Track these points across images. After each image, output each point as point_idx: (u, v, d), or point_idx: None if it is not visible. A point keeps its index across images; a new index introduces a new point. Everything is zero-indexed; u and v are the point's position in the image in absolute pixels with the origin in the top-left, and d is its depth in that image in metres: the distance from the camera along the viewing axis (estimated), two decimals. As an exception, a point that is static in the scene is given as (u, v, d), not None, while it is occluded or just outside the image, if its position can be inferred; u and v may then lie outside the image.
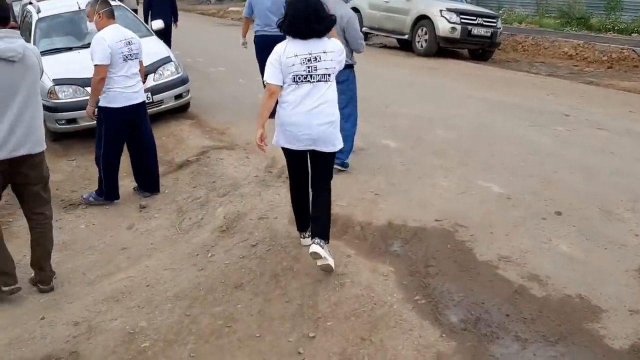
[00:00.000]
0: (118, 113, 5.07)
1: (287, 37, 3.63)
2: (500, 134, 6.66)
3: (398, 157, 5.95)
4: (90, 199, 5.39)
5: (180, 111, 7.83)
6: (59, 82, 6.87)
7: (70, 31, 8.05)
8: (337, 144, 3.78)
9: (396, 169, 5.64)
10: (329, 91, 3.66)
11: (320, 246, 3.65)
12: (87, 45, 7.53)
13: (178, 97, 7.44)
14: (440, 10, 12.57)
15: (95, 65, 4.92)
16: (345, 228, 4.46)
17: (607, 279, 3.69)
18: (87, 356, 3.33)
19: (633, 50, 12.46)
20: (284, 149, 3.84)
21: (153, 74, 7.17)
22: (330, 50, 3.58)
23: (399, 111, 7.74)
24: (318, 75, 3.57)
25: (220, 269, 4.07)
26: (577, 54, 13.28)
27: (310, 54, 3.54)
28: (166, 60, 7.40)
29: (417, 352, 3.10)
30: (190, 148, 6.42)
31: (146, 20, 12.05)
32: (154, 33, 8.36)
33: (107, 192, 5.34)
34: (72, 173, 6.33)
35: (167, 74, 7.31)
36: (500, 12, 18.50)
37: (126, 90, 5.07)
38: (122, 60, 5.00)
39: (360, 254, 4.07)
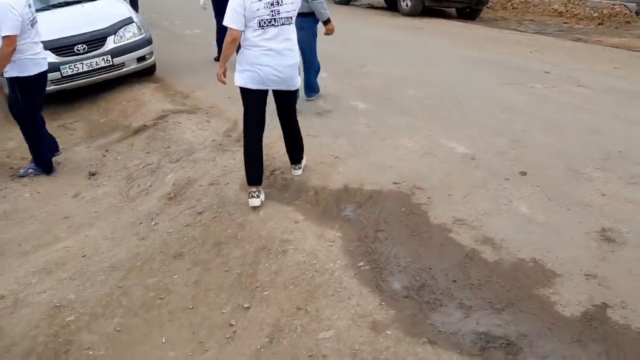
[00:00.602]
0: (32, 81, 4.77)
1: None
2: (473, 92, 6.37)
3: (365, 118, 5.68)
4: (30, 171, 5.13)
5: (146, 74, 7.52)
6: None
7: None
8: (298, 82, 4.06)
9: (361, 131, 5.38)
10: (292, 34, 3.87)
11: (299, 169, 4.42)
12: (48, 8, 7.35)
13: (141, 59, 7.12)
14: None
15: (4, 37, 4.48)
16: (298, 193, 4.22)
17: (565, 241, 3.46)
18: (8, 331, 3.15)
19: (625, 6, 12.05)
20: (245, 90, 3.90)
21: (113, 36, 6.86)
22: None
23: (374, 71, 7.43)
24: (282, 18, 3.74)
25: (162, 238, 3.86)
26: (567, 10, 12.86)
27: None
28: (127, 22, 7.06)
29: (352, 322, 2.91)
30: (150, 112, 6.15)
31: None
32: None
33: (37, 163, 5.10)
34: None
35: (129, 35, 6.98)
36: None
37: (36, 57, 4.76)
38: (30, 26, 4.67)
39: (309, 219, 3.85)
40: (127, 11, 7.29)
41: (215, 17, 7.86)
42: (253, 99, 3.93)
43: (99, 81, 6.88)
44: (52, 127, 6.29)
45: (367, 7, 14.47)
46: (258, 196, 4.04)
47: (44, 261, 3.75)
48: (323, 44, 9.12)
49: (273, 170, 4.59)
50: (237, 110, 5.88)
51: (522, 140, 4.96)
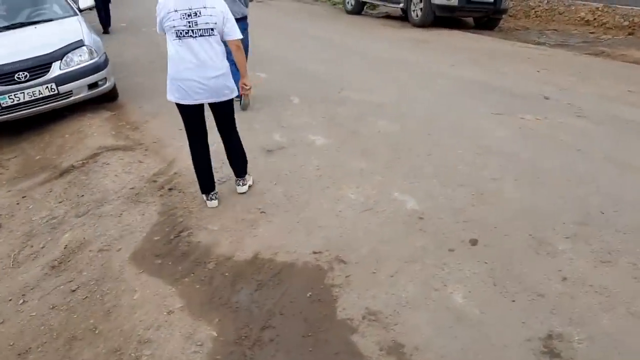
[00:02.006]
0: None
1: None
2: (453, 125, 5.55)
3: (318, 158, 4.95)
4: None
5: (106, 100, 6.94)
6: None
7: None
8: (231, 93, 3.85)
9: (306, 175, 4.65)
10: (214, 45, 3.69)
11: (243, 182, 4.33)
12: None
13: (93, 86, 6.52)
14: (437, -25, 11.27)
15: None
16: (195, 265, 3.52)
17: (496, 354, 2.65)
18: None
19: (658, 14, 10.92)
20: (178, 105, 3.82)
21: (59, 62, 6.28)
22: (210, 6, 3.59)
23: (352, 97, 6.68)
24: (199, 30, 3.60)
25: (21, 324, 3.21)
26: (594, 19, 11.79)
27: (190, 9, 3.56)
28: (77, 45, 6.47)
29: None
30: (85, 149, 5.54)
31: None
32: (78, 12, 7.45)
33: None
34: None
35: (77, 60, 6.38)
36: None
37: None
38: None
39: (188, 307, 3.13)
40: (79, 33, 6.70)
41: None
42: (186, 114, 3.87)
43: (45, 111, 6.33)
44: (-17, 164, 5.80)
45: (382, 17, 13.68)
46: (215, 198, 4.19)
47: None
48: (309, 63, 8.46)
49: (181, 230, 3.91)
50: (179, 147, 5.30)
51: (487, 192, 4.15)
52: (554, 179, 4.32)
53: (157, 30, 3.74)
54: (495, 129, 5.39)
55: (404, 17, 12.82)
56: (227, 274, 3.40)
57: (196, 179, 4.21)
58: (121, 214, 4.22)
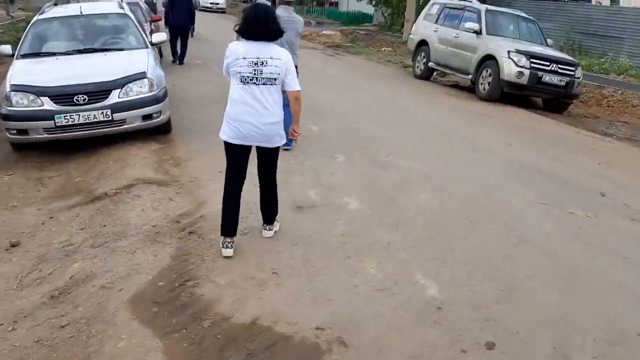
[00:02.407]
0: None
1: (240, 38, 3.91)
2: (495, 210, 5.26)
3: (346, 223, 4.76)
4: None
5: (159, 133, 7.02)
6: (16, 88, 6.28)
7: (61, 36, 7.53)
8: (280, 140, 4.05)
9: (330, 239, 4.46)
10: (274, 93, 3.91)
11: (270, 230, 4.40)
12: (72, 53, 7.14)
13: (147, 117, 6.61)
14: (509, 52, 11.08)
15: None
16: (191, 321, 3.34)
17: None
18: None
19: None
20: (227, 143, 3.99)
21: (119, 90, 6.42)
22: (276, 57, 3.84)
23: (397, 163, 6.49)
24: (264, 78, 3.83)
25: (1, 353, 3.12)
26: (671, 115, 11.24)
27: (258, 58, 3.81)
28: (139, 76, 6.61)
29: None
30: (123, 178, 5.55)
31: (167, 20, 12.21)
32: (149, 45, 7.64)
33: None
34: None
35: (137, 90, 6.51)
36: (603, 60, 16.50)
37: None
38: None
39: (169, 370, 2.95)
40: (144, 65, 6.86)
41: None
42: (234, 153, 4.02)
43: (97, 135, 6.45)
44: (26, 178, 5.90)
45: (449, 85, 13.49)
46: (231, 246, 4.09)
47: None
48: (364, 122, 8.34)
49: (188, 279, 3.77)
50: (214, 189, 5.23)
51: (516, 290, 3.83)
52: (593, 287, 3.96)
53: (223, 73, 3.98)
54: (539, 221, 5.06)
55: (471, 89, 12.61)
56: (219, 336, 3.21)
57: (220, 224, 4.11)
58: (135, 251, 4.13)
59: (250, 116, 3.86)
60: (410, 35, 15.27)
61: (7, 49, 7.32)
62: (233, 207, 4.08)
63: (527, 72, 10.85)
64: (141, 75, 6.67)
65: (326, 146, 6.98)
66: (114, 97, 6.39)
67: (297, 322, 3.36)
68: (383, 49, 20.63)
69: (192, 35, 12.55)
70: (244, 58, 3.79)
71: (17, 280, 3.93)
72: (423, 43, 14.07)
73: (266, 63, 3.80)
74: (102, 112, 6.30)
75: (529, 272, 4.10)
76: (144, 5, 13.56)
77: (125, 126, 6.52)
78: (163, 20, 12.88)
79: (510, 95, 11.39)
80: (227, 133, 3.95)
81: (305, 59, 15.70)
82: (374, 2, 29.02)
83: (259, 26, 3.80)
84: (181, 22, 12.46)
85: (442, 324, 3.42)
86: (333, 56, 17.87)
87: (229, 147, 4.00)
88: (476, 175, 6.27)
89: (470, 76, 12.15)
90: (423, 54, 14.01)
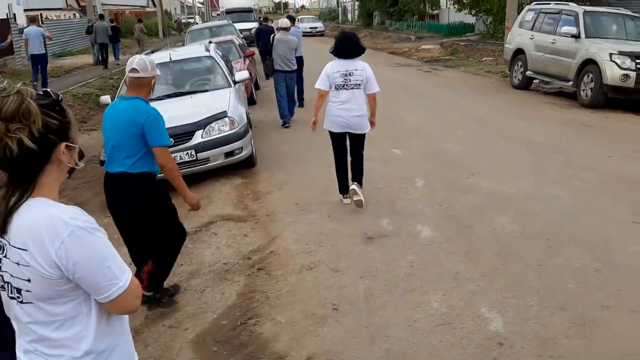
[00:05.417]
0: None
1: (335, 57, 5.48)
2: (581, 230, 4.94)
3: (415, 253, 4.68)
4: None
5: (244, 167, 7.32)
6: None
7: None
8: (365, 129, 5.60)
9: (396, 271, 4.40)
10: (359, 95, 5.47)
11: (357, 186, 5.55)
12: (162, 98, 7.62)
13: (229, 154, 6.92)
14: (611, 54, 10.38)
15: None
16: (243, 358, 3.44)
17: None
18: None
19: None
20: (330, 132, 5.65)
21: (202, 130, 6.78)
22: (360, 69, 5.43)
23: (479, 184, 6.28)
24: (351, 84, 5.42)
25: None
26: None
27: (347, 70, 5.40)
28: (220, 116, 6.95)
29: None
30: (204, 216, 5.82)
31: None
32: (233, 84, 7.98)
33: None
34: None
35: (218, 129, 6.84)
36: None
37: None
38: None
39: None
40: (226, 104, 7.20)
41: None
42: (334, 138, 5.69)
43: (184, 175, 6.79)
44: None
45: (552, 93, 12.82)
46: (347, 197, 5.74)
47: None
48: (448, 141, 8.14)
49: (250, 317, 3.89)
50: (288, 223, 5.39)
51: (591, 323, 3.57)
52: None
53: (321, 87, 5.45)
54: (630, 242, 4.68)
55: (575, 96, 11.92)
56: (270, 376, 3.27)
57: (287, 262, 4.52)
58: (204, 289, 4.32)
59: (342, 111, 5.43)
60: (506, 45, 14.78)
61: (106, 99, 7.95)
62: (343, 172, 5.73)
63: (633, 74, 10.11)
64: (222, 115, 7.00)
65: (406, 171, 6.90)
66: (198, 138, 6.74)
67: (350, 360, 3.35)
68: (484, 59, 20.05)
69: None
70: (338, 72, 5.38)
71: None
72: (519, 52, 13.54)
73: (353, 73, 5.38)
74: (187, 153, 6.66)
75: (608, 302, 3.79)
76: (238, 41, 14.06)
77: (209, 164, 6.85)
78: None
79: (618, 100, 10.64)
80: (327, 124, 5.58)
81: (399, 77, 15.74)
82: (474, 12, 28.33)
83: (346, 47, 5.41)
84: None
85: (502, 362, 3.26)
86: (429, 72, 17.64)
87: (331, 134, 5.64)
88: (565, 194, 5.91)
89: (570, 83, 11.51)
90: (520, 63, 13.48)
